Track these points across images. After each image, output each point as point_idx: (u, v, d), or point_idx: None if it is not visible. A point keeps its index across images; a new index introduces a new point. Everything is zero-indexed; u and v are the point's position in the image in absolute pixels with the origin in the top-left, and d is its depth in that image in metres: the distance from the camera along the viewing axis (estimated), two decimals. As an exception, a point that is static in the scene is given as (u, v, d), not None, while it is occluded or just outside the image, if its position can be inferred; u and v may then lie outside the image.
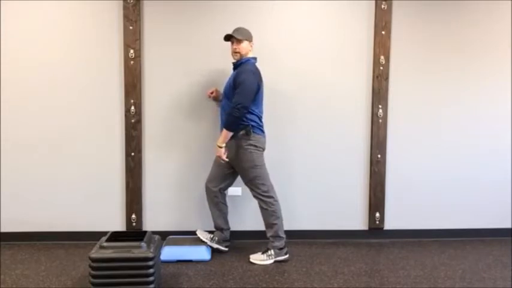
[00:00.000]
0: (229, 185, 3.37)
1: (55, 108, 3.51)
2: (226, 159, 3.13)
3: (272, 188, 3.24)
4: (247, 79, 3.02)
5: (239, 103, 3.00)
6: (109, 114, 3.54)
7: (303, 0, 3.57)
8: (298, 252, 3.42)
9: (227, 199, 3.42)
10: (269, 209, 3.19)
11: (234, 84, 3.07)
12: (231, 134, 3.08)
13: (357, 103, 3.66)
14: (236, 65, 3.19)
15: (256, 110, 3.15)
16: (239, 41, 3.13)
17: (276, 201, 3.22)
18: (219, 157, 3.12)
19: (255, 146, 3.14)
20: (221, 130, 3.21)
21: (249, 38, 3.18)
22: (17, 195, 3.53)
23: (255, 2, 3.55)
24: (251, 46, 3.20)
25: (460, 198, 3.79)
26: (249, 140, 3.11)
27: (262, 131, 3.22)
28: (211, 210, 3.37)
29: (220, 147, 3.09)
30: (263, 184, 3.18)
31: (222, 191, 3.35)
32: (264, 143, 3.23)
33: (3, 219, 3.54)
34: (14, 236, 3.55)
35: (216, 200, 3.33)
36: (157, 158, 3.59)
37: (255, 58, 3.20)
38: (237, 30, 3.16)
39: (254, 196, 3.23)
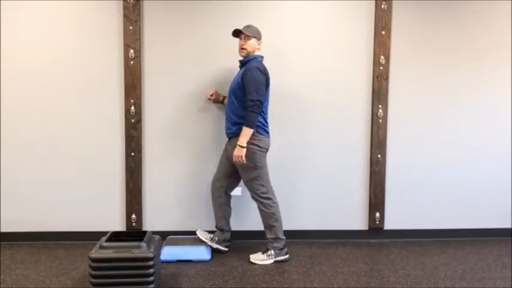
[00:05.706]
0: (234, 184, 3.35)
1: (55, 108, 3.51)
2: (245, 162, 3.05)
3: (271, 189, 3.23)
4: (255, 75, 3.02)
5: (253, 99, 2.99)
6: (109, 114, 3.54)
7: (302, 0, 3.57)
8: (298, 252, 3.42)
9: (227, 199, 3.42)
10: (267, 210, 3.18)
11: (242, 82, 3.06)
12: (251, 131, 3.03)
13: (357, 103, 3.66)
14: (243, 63, 3.19)
15: (263, 110, 3.13)
16: (247, 38, 3.13)
17: (275, 203, 3.21)
18: (240, 158, 3.03)
19: (259, 146, 3.12)
20: (226, 130, 3.20)
21: (258, 36, 3.17)
22: (17, 195, 3.53)
23: (255, 2, 3.54)
24: (259, 44, 3.19)
25: (460, 198, 3.79)
26: (253, 139, 3.09)
27: (267, 132, 3.19)
28: (214, 209, 3.37)
29: (243, 147, 3.02)
30: (262, 185, 3.17)
31: (228, 192, 3.34)
32: (268, 143, 3.21)
33: (3, 219, 3.54)
34: (14, 236, 3.55)
35: (221, 200, 3.32)
36: (157, 158, 3.59)
37: (261, 56, 3.20)
38: (247, 26, 3.16)
39: (253, 198, 3.22)
